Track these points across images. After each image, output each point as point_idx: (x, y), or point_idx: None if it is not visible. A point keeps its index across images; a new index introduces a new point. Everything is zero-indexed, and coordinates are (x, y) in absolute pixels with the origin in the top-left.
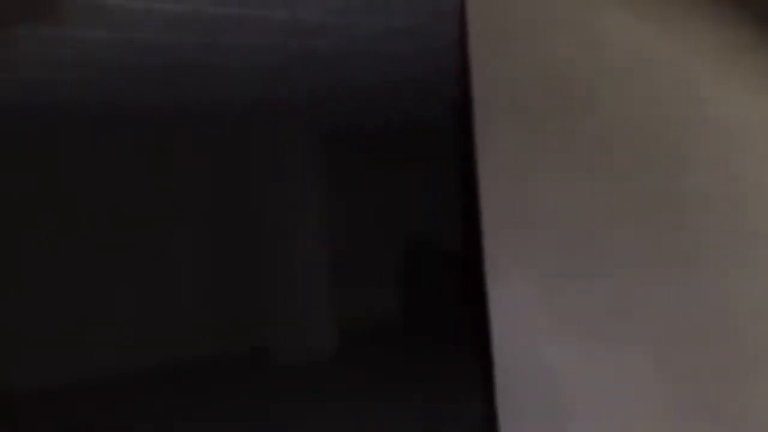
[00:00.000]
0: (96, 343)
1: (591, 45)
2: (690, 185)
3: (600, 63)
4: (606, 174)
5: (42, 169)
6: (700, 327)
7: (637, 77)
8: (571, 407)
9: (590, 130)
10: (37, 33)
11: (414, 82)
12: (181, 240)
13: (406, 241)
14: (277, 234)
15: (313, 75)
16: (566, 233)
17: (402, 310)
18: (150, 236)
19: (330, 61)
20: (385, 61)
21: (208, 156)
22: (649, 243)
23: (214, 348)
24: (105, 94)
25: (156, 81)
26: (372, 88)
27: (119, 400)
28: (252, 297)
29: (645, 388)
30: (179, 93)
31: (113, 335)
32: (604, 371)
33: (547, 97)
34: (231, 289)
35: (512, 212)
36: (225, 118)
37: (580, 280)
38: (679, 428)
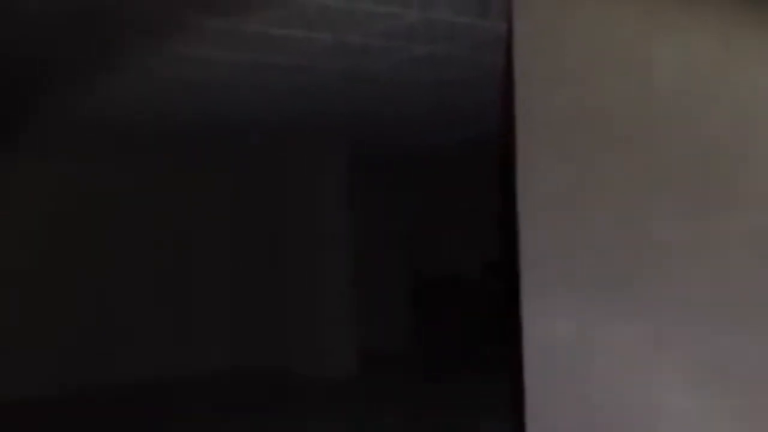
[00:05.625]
0: (110, 354)
1: (642, 81)
2: (743, 223)
3: (651, 99)
4: (654, 213)
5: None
6: (757, 369)
7: (689, 114)
8: (603, 428)
9: (639, 166)
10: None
11: (449, 110)
12: (202, 255)
13: (426, 266)
14: (299, 252)
15: (348, 96)
16: (610, 271)
17: (420, 333)
18: (171, 250)
19: (369, 84)
20: (423, 88)
21: (232, 172)
22: (697, 283)
23: (232, 364)
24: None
25: (186, 95)
26: (408, 114)
27: (133, 411)
28: (271, 315)
29: (689, 416)
30: (208, 108)
31: (128, 346)
32: (644, 409)
33: (594, 132)
34: (250, 306)
35: (553, 247)
36: (252, 135)
37: (622, 319)
38: None
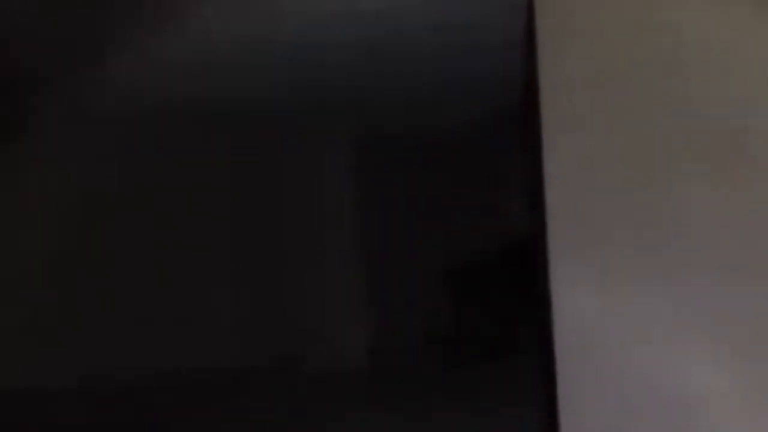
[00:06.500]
0: (111, 347)
1: (669, 42)
2: None
3: (677, 61)
4: (684, 176)
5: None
6: None
7: (718, 76)
8: (638, 413)
9: (667, 130)
10: None
11: (466, 81)
12: (203, 241)
13: (449, 248)
14: (306, 238)
15: (360, 67)
16: (638, 237)
17: (444, 319)
18: (170, 236)
19: (382, 54)
20: (437, 58)
21: (234, 153)
22: (729, 250)
23: (240, 355)
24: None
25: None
26: (420, 87)
27: (138, 405)
28: (279, 302)
29: (726, 397)
30: (211, 86)
31: (130, 340)
32: (674, 376)
33: (618, 96)
34: (257, 294)
35: (581, 216)
36: (255, 112)
37: (648, 286)
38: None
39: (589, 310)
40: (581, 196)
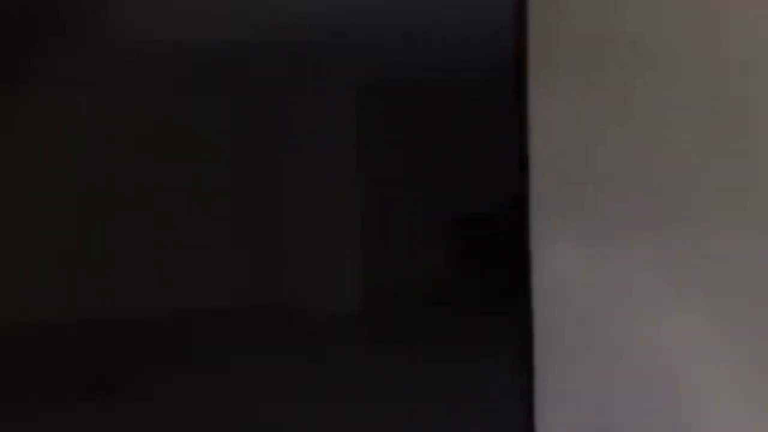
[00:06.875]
0: (102, 286)
1: (664, 1)
2: (757, 144)
3: (672, 21)
4: (668, 136)
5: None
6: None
7: (712, 38)
8: (612, 355)
9: (651, 88)
10: None
11: (460, 32)
12: (200, 184)
13: (437, 201)
14: (306, 183)
15: (358, 18)
16: (620, 191)
17: (439, 270)
18: (168, 179)
19: (378, 6)
20: (433, 10)
21: (235, 98)
22: (713, 209)
23: (233, 298)
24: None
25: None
26: (416, 36)
27: (128, 346)
28: (275, 247)
29: (696, 341)
30: (214, 31)
31: (121, 279)
32: (652, 333)
33: (611, 56)
34: (253, 237)
35: (563, 169)
36: (255, 59)
37: (637, 258)
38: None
39: (570, 264)
40: (566, 154)
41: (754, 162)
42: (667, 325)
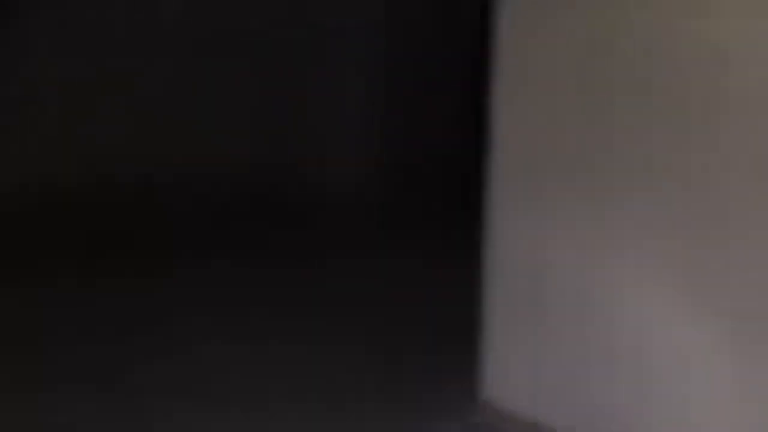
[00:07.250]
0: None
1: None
2: (721, 144)
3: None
4: (652, 127)
5: None
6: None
7: (689, 15)
8: (556, 303)
9: (616, 60)
10: None
11: None
12: (209, 47)
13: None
14: (314, 58)
15: None
16: (578, 164)
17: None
18: (190, 46)
19: None
20: None
21: None
22: (689, 203)
23: (234, 162)
24: None
25: None
26: None
27: (134, 206)
28: (281, 116)
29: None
30: None
31: (122, 140)
32: (603, 297)
33: (587, 25)
34: (260, 104)
35: (525, 141)
36: None
37: (583, 211)
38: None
39: (524, 229)
40: (527, 122)
41: (723, 160)
42: (617, 283)
